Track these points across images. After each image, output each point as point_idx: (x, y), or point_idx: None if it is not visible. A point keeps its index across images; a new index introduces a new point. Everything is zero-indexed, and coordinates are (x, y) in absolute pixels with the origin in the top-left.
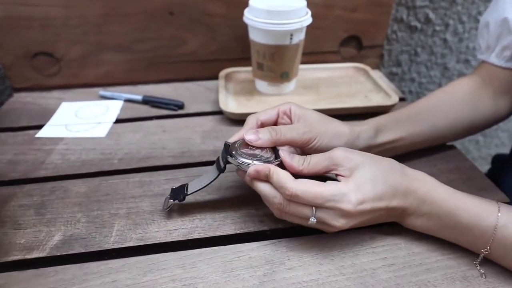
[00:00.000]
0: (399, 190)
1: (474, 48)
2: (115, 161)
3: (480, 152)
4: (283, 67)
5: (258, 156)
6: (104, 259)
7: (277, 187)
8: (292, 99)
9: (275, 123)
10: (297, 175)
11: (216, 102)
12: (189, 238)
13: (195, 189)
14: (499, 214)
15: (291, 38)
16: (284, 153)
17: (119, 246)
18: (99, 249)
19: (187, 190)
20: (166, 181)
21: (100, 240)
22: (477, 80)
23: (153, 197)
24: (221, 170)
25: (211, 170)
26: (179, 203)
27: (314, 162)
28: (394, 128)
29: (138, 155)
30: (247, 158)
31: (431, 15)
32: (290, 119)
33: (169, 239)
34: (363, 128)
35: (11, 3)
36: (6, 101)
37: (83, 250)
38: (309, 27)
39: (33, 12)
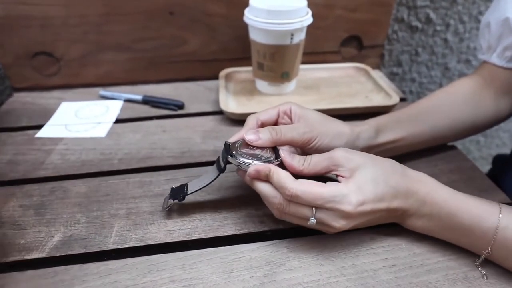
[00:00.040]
0: (400, 191)
1: (475, 48)
2: (115, 161)
3: (481, 152)
4: (283, 67)
5: (259, 156)
6: (104, 259)
7: (277, 187)
8: (293, 99)
9: (276, 123)
10: (297, 175)
11: (217, 102)
12: (189, 238)
13: (195, 189)
14: (501, 216)
15: (291, 38)
16: (284, 153)
17: (119, 246)
18: (98, 249)
19: (187, 190)
20: (166, 181)
21: (100, 240)
22: (478, 80)
23: (153, 197)
24: (221, 170)
25: (211, 170)
26: (179, 203)
27: (315, 163)
28: (394, 128)
29: (138, 155)
30: (247, 158)
31: (432, 15)
32: (291, 119)
33: (169, 240)
34: (364, 128)
35: (11, 2)
36: (5, 101)
37: (82, 251)
38: (309, 27)
39: (33, 11)
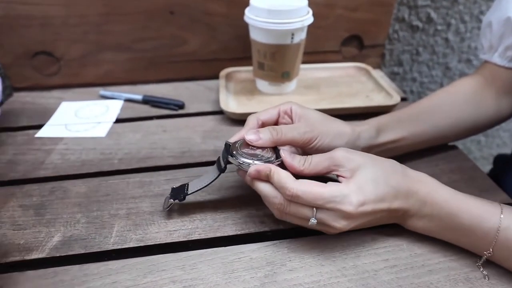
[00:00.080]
0: (401, 191)
1: (476, 48)
2: (115, 161)
3: (482, 152)
4: (284, 66)
5: (259, 156)
6: (104, 260)
7: (277, 187)
8: (293, 99)
9: (276, 123)
10: (298, 176)
11: (217, 101)
12: (190, 239)
13: (196, 189)
14: (502, 216)
15: (292, 38)
16: (285, 153)
17: (119, 247)
18: (99, 250)
19: (187, 190)
20: (166, 181)
21: (100, 241)
22: (480, 80)
23: (153, 197)
24: (221, 170)
25: (212, 170)
26: (179, 203)
27: (315, 163)
28: (395, 128)
29: (138, 155)
30: (247, 158)
31: (433, 15)
32: (291, 118)
33: (169, 240)
34: (364, 128)
35: (11, 2)
36: (5, 100)
37: (82, 251)
38: (310, 27)
39: (33, 11)
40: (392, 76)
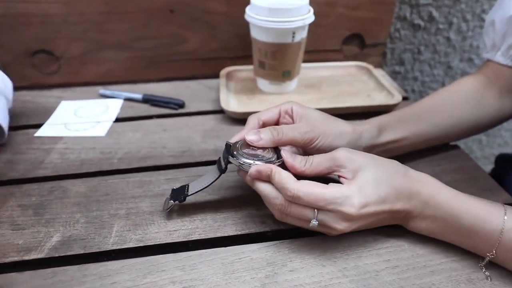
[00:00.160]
0: (403, 192)
1: (477, 47)
2: (115, 161)
3: (483, 151)
4: (285, 65)
5: (260, 157)
6: (103, 260)
7: (278, 188)
8: (294, 98)
9: (277, 123)
10: (299, 176)
11: (217, 101)
12: (190, 239)
13: (196, 190)
14: (506, 218)
15: (293, 36)
16: (286, 153)
17: (119, 247)
18: (98, 250)
19: (187, 191)
20: (166, 181)
21: (99, 241)
22: (482, 79)
23: (153, 197)
24: (222, 171)
25: (212, 171)
26: (180, 204)
27: (316, 163)
28: (397, 127)
29: (138, 154)
30: (248, 158)
31: (435, 13)
32: (292, 118)
33: (169, 240)
34: (366, 128)
35: (11, 0)
36: None
37: (82, 251)
38: (311, 25)
39: (33, 9)
40: (394, 75)
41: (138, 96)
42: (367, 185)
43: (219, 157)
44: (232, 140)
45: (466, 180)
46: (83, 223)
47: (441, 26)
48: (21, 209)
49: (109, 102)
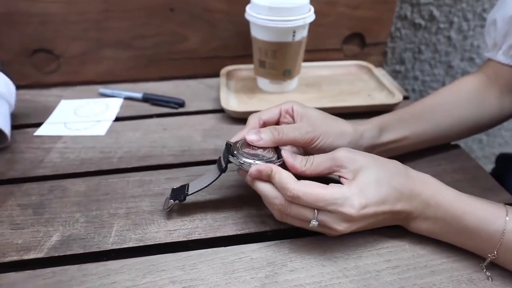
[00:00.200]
0: (404, 193)
1: (478, 46)
2: (115, 160)
3: (484, 151)
4: (285, 64)
5: (260, 156)
6: (103, 260)
7: (278, 188)
8: (294, 97)
9: (277, 122)
10: (299, 176)
11: (217, 100)
12: (190, 238)
13: (196, 189)
14: (507, 218)
15: (293, 35)
16: (286, 153)
17: (118, 246)
18: (97, 249)
19: (187, 190)
20: (166, 180)
21: (99, 240)
22: (483, 78)
23: (153, 196)
24: (222, 170)
25: (212, 170)
26: (180, 203)
27: (317, 163)
28: (398, 127)
29: (138, 153)
30: (249, 158)
31: (435, 12)
32: (293, 118)
33: (169, 240)
34: (367, 127)
35: None
36: None
37: (81, 251)
38: (311, 24)
39: (32, 8)
40: (394, 74)
41: (138, 95)
42: (367, 185)
43: (220, 157)
44: (233, 140)
45: (467, 179)
46: (83, 223)
47: (441, 25)
48: (20, 208)
49: (109, 101)
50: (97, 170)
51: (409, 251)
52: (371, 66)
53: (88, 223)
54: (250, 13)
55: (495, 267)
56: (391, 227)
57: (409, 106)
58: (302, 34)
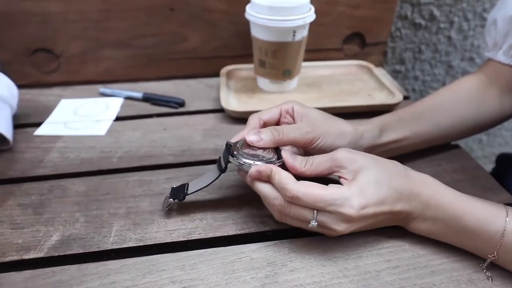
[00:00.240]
0: (403, 193)
1: (479, 46)
2: (115, 160)
3: (484, 151)
4: (285, 64)
5: (260, 157)
6: (103, 259)
7: (278, 188)
8: (295, 97)
9: (278, 122)
10: (299, 177)
11: (217, 99)
12: (190, 238)
13: (196, 189)
14: (507, 219)
15: (293, 35)
16: (286, 153)
17: (118, 246)
18: (97, 249)
19: (187, 190)
20: (166, 180)
21: (99, 240)
22: (483, 78)
23: (153, 196)
24: (222, 170)
25: (212, 170)
26: (179, 203)
27: (317, 164)
28: (398, 127)
29: (138, 153)
30: (248, 159)
31: (436, 12)
32: (293, 118)
33: (169, 240)
34: (367, 128)
35: None
36: None
37: (81, 251)
38: (312, 24)
39: (32, 7)
40: (394, 74)
41: (138, 94)
42: (367, 186)
43: (219, 157)
44: (233, 140)
45: (467, 179)
46: (83, 222)
47: (442, 25)
48: (20, 208)
49: (109, 101)
50: (97, 170)
51: (409, 251)
52: (371, 66)
53: (88, 223)
54: (250, 12)
55: (495, 267)
56: (391, 227)
57: (409, 106)
58: (302, 33)
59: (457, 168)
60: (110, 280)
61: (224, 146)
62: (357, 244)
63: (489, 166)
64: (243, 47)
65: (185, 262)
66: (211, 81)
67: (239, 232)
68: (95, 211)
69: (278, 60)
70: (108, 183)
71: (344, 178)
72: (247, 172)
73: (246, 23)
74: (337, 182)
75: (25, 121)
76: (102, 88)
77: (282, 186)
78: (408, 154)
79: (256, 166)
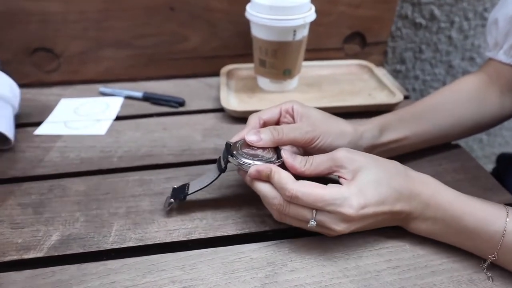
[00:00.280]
0: (403, 193)
1: (479, 46)
2: (115, 159)
3: (484, 151)
4: (285, 64)
5: (260, 156)
6: (102, 259)
7: (277, 188)
8: (295, 97)
9: (278, 122)
10: (299, 176)
11: (218, 99)
12: (190, 238)
13: (196, 189)
14: (507, 219)
15: (294, 35)
16: (286, 153)
17: (118, 246)
18: (97, 249)
19: (188, 190)
20: (166, 180)
21: (99, 240)
22: (483, 77)
23: (153, 196)
24: (221, 170)
25: (212, 170)
26: (180, 203)
27: (317, 163)
28: (398, 127)
29: (138, 153)
30: (248, 158)
31: (436, 12)
32: (293, 117)
33: (169, 240)
34: (367, 127)
35: None
36: None
37: (81, 250)
38: (312, 23)
39: (32, 7)
40: (395, 74)
41: (138, 94)
42: (366, 186)
43: (219, 157)
44: (233, 140)
45: (467, 179)
46: (83, 222)
47: (442, 25)
48: (20, 207)
49: (109, 100)
50: (97, 169)
51: (410, 251)
52: (371, 65)
53: (88, 223)
54: (251, 12)
55: (496, 267)
56: (391, 227)
57: (409, 106)
58: (303, 33)
59: (458, 168)
60: (110, 280)
61: (224, 145)
62: (357, 244)
63: (489, 166)
64: (243, 47)
65: (185, 262)
66: (211, 80)
67: (239, 232)
68: (95, 210)
69: (278, 59)
70: (108, 182)
71: (344, 178)
72: (247, 172)
73: (247, 23)
74: (337, 182)
75: (25, 120)
76: (102, 88)
77: (281, 185)
78: (408, 154)
79: (256, 166)
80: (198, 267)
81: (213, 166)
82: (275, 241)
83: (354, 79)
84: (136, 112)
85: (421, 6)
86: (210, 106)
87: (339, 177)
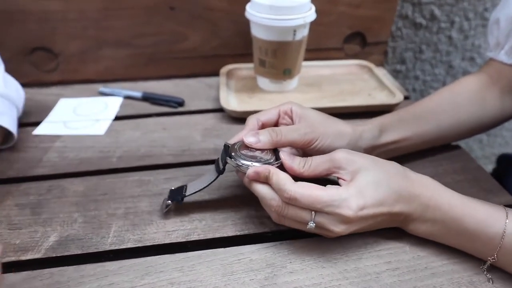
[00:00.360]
0: (403, 195)
1: (479, 46)
2: (114, 160)
3: (484, 151)
4: (285, 64)
5: (258, 158)
6: (101, 261)
7: (276, 189)
8: (295, 97)
9: (276, 124)
10: (297, 178)
11: (217, 99)
12: (188, 239)
13: (194, 191)
14: (507, 221)
15: (294, 34)
16: (284, 155)
17: (117, 247)
18: (95, 250)
19: (185, 192)
20: (166, 180)
21: (97, 241)
22: (484, 78)
23: (152, 196)
24: (220, 172)
25: (211, 171)
26: (178, 204)
27: (315, 165)
28: (398, 128)
29: (137, 153)
30: (246, 160)
31: (437, 12)
32: (291, 119)
33: (167, 241)
34: (367, 128)
35: None
36: None
37: (79, 252)
38: (312, 23)
39: (31, 6)
40: (395, 74)
41: (138, 94)
42: (366, 187)
43: (217, 158)
44: (231, 141)
45: (467, 180)
46: (81, 223)
47: (443, 25)
48: (18, 208)
49: (108, 100)
50: (96, 169)
51: (409, 253)
52: (371, 65)
53: (86, 224)
54: (251, 11)
55: (496, 269)
56: (391, 229)
57: (409, 106)
58: (303, 33)
59: (458, 169)
60: (108, 282)
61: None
62: (356, 245)
63: (489, 167)
64: (243, 46)
65: (183, 263)
66: (211, 80)
67: (238, 233)
68: (94, 211)
69: (278, 59)
70: (107, 183)
71: (343, 179)
72: (245, 173)
73: (246, 22)
74: (335, 183)
75: (24, 120)
76: (101, 87)
77: (279, 187)
78: (408, 154)
79: (254, 167)
80: (197, 269)
81: (212, 167)
82: (274, 243)
83: (354, 79)
84: (136, 112)
85: (422, 6)
86: (209, 106)
87: (338, 178)
